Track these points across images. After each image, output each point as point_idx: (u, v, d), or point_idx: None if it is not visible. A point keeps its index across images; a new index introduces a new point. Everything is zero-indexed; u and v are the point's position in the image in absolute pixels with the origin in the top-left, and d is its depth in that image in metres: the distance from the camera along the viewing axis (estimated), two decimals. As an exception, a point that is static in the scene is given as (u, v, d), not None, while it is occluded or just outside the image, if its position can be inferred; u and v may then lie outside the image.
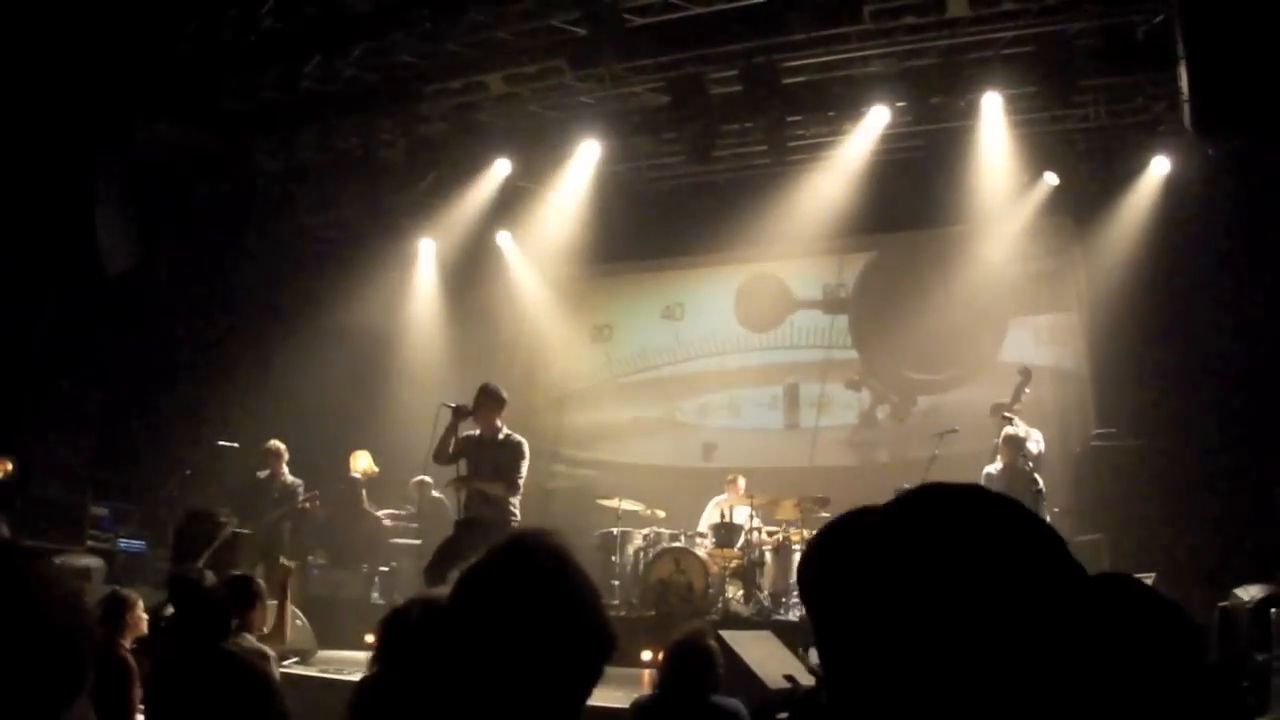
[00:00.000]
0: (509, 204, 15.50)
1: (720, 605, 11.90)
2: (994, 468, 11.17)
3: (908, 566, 1.20)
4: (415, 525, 13.80)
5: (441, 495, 12.55)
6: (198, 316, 14.33)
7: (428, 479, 13.21)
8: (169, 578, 6.80)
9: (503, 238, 16.42)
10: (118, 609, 6.36)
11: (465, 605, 1.99)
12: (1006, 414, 11.40)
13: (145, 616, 6.45)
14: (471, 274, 16.51)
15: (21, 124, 11.89)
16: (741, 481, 13.08)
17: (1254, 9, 10.19)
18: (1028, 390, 11.95)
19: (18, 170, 12.09)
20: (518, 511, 9.74)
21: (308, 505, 12.53)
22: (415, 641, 5.04)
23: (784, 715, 6.45)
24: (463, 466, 9.87)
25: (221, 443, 12.58)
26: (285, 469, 12.56)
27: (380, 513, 14.06)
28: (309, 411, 14.50)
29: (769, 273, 16.22)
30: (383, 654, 5.15)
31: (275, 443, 12.61)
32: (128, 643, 6.23)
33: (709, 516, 13.05)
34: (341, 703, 4.77)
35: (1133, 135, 13.03)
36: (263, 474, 12.50)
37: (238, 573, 7.27)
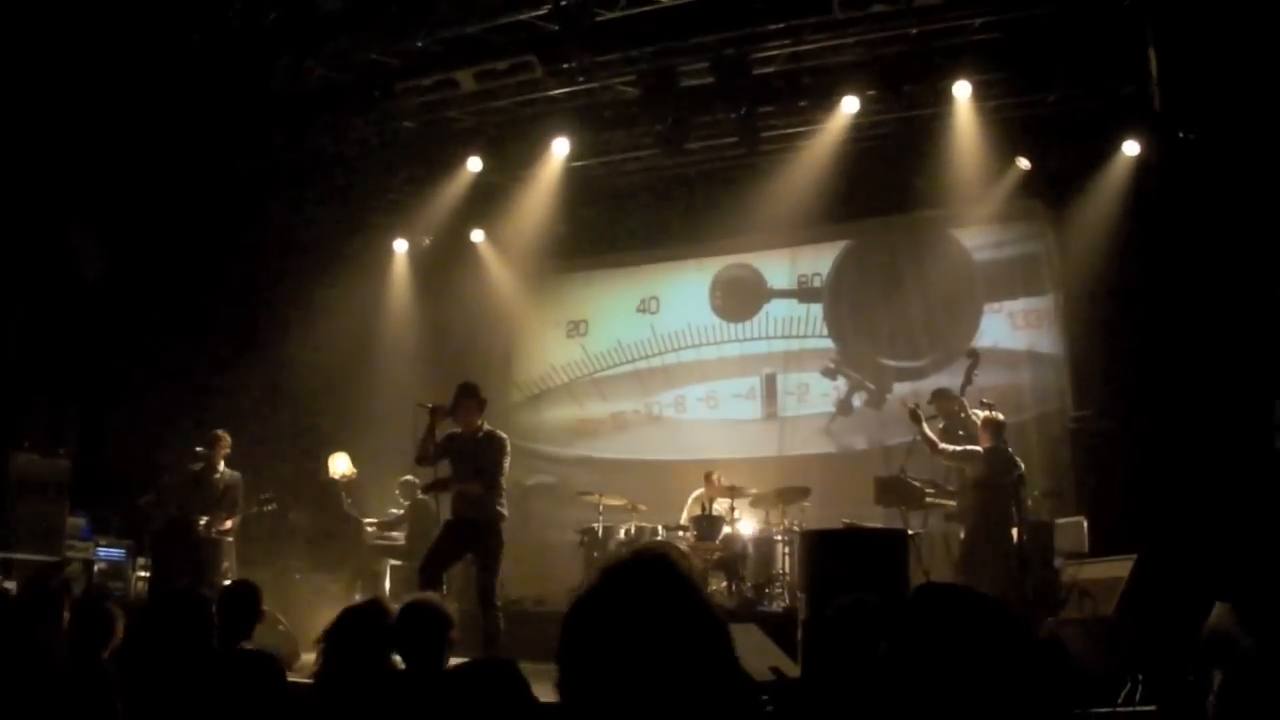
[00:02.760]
0: (482, 201, 15.47)
1: (703, 598, 11.87)
2: (974, 450, 11.15)
3: None
4: (400, 527, 13.79)
5: (427, 496, 12.53)
6: (172, 322, 14.23)
7: (413, 479, 13.20)
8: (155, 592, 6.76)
9: (476, 235, 16.39)
10: (100, 621, 6.30)
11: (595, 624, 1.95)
12: (985, 400, 11.42)
13: (122, 629, 6.39)
14: (446, 272, 16.48)
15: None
16: (718, 476, 13.09)
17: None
18: (978, 373, 11.97)
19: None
20: (505, 509, 9.75)
21: (270, 507, 12.45)
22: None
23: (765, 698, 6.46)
24: (445, 468, 9.88)
25: (199, 449, 12.49)
26: (223, 462, 12.42)
27: (366, 520, 13.99)
28: (286, 414, 14.44)
29: (743, 264, 16.24)
30: (331, 652, 5.17)
31: (221, 432, 12.45)
32: (106, 654, 6.18)
33: (690, 511, 13.06)
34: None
35: (1103, 118, 13.04)
36: (197, 466, 12.33)
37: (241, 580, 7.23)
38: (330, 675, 5.22)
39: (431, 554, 9.63)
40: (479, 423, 9.82)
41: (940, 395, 12.02)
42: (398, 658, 5.32)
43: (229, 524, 12.17)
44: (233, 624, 6.06)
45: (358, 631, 5.25)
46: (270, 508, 12.72)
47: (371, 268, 16.04)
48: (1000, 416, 11.11)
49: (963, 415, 11.51)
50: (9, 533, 11.89)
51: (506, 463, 9.80)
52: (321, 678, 5.26)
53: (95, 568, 12.77)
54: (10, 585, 10.92)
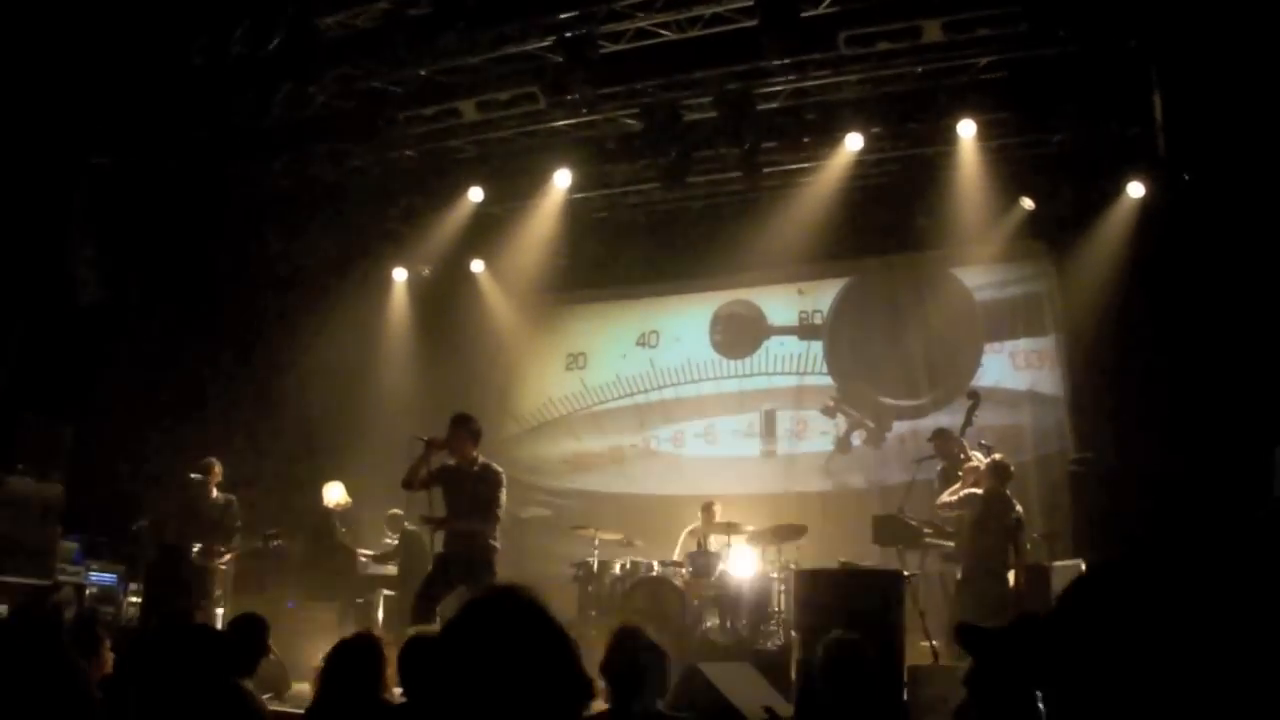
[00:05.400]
0: (482, 231, 15.44)
1: (698, 635, 11.80)
2: (974, 493, 11.08)
3: None
4: (393, 559, 13.69)
5: (415, 528, 12.47)
6: (169, 346, 14.19)
7: (400, 512, 13.12)
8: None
9: (476, 265, 16.35)
10: (91, 646, 6.24)
11: (450, 656, 2.04)
12: (984, 442, 11.36)
13: (111, 655, 6.31)
14: (445, 302, 16.45)
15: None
16: (718, 509, 13.00)
17: (1225, 37, 10.24)
18: (978, 415, 11.90)
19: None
20: (497, 541, 9.67)
21: (275, 543, 12.42)
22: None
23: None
24: (434, 497, 9.79)
25: (193, 475, 12.43)
26: (215, 488, 12.32)
27: (360, 551, 13.88)
28: (281, 442, 14.37)
29: (744, 299, 16.19)
30: (326, 686, 5.10)
31: (213, 460, 12.37)
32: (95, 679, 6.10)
33: (684, 545, 12.97)
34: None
35: (1108, 159, 13.02)
36: (190, 493, 12.18)
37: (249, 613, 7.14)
38: (323, 709, 5.16)
39: (424, 588, 9.55)
40: (474, 454, 9.73)
41: (940, 435, 11.96)
42: (397, 690, 5.27)
43: (227, 555, 12.09)
44: (238, 657, 5.96)
45: (352, 665, 5.18)
46: (276, 543, 12.65)
47: (370, 297, 16.00)
48: (1007, 464, 11.00)
49: (962, 457, 11.44)
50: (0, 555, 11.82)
51: (503, 496, 9.72)
52: (314, 712, 5.20)
53: (87, 592, 12.69)
54: (1, 608, 10.86)
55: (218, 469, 12.27)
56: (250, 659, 6.07)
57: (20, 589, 11.63)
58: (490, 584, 2.20)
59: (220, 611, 11.80)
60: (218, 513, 12.14)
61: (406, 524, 13.03)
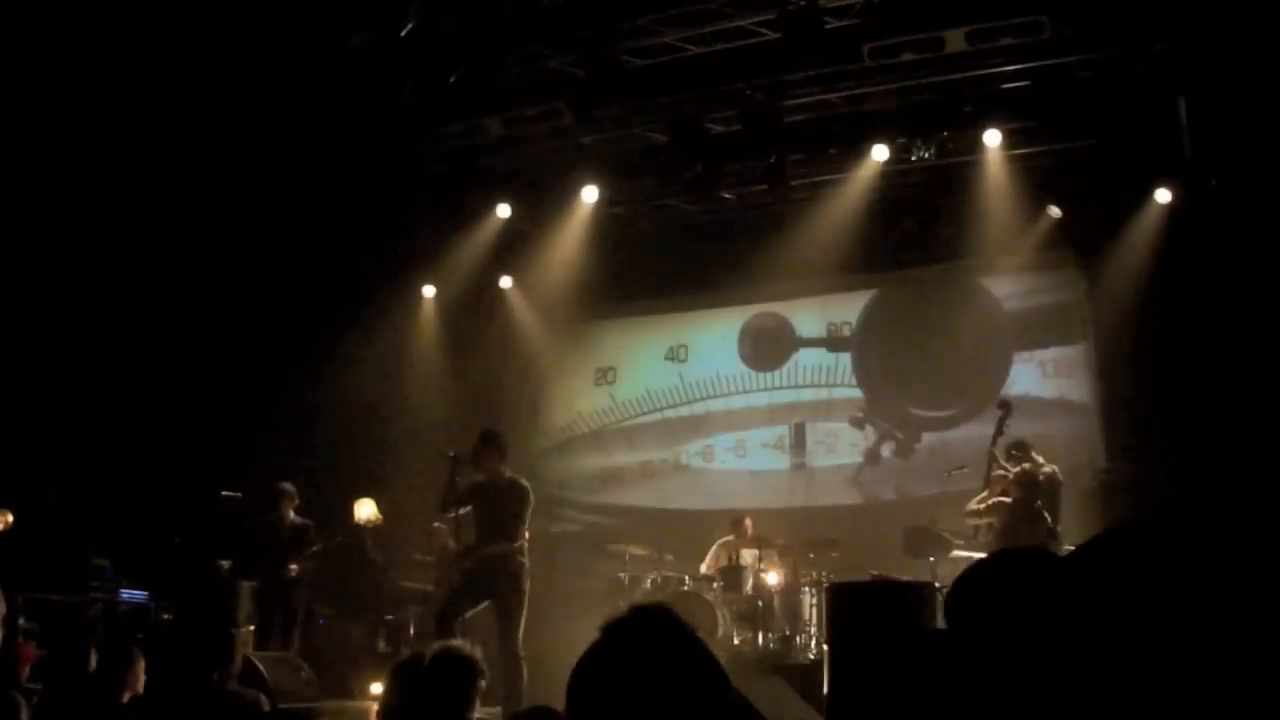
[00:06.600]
0: (510, 247, 15.47)
1: (729, 649, 11.78)
2: (1003, 502, 11.03)
3: None
4: (431, 574, 13.70)
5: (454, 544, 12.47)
6: (199, 366, 14.24)
7: (442, 527, 13.12)
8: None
9: (504, 282, 16.37)
10: (122, 663, 6.28)
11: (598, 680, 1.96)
12: (1016, 451, 11.27)
13: (143, 674, 6.34)
14: (474, 319, 16.45)
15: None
16: (749, 523, 12.99)
17: (1251, 42, 10.20)
18: (1009, 424, 11.80)
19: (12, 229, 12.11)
20: (526, 556, 9.66)
21: (336, 539, 12.45)
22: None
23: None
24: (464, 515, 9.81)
25: (225, 493, 12.47)
26: (292, 511, 12.39)
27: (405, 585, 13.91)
28: (312, 459, 14.41)
29: (772, 312, 16.15)
30: (396, 702, 5.13)
31: (285, 484, 12.44)
32: (125, 698, 6.14)
33: (715, 559, 12.96)
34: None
35: (1134, 165, 12.97)
36: (268, 516, 12.33)
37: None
38: None
39: (448, 601, 9.55)
40: (501, 470, 9.73)
41: (1019, 447, 11.77)
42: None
43: (294, 569, 12.06)
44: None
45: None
46: (336, 540, 12.62)
47: (399, 314, 16.01)
48: (1036, 474, 10.94)
49: (1024, 460, 11.29)
50: (32, 573, 11.87)
51: (528, 512, 9.71)
52: None
53: (118, 609, 12.74)
54: (32, 625, 10.92)
55: (290, 491, 12.31)
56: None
57: (52, 606, 11.69)
58: (636, 606, 2.11)
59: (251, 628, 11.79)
60: (294, 534, 12.19)
61: (451, 541, 13.04)
